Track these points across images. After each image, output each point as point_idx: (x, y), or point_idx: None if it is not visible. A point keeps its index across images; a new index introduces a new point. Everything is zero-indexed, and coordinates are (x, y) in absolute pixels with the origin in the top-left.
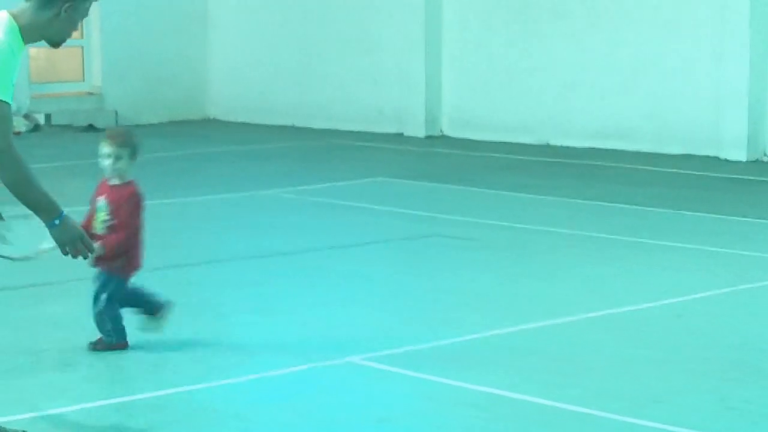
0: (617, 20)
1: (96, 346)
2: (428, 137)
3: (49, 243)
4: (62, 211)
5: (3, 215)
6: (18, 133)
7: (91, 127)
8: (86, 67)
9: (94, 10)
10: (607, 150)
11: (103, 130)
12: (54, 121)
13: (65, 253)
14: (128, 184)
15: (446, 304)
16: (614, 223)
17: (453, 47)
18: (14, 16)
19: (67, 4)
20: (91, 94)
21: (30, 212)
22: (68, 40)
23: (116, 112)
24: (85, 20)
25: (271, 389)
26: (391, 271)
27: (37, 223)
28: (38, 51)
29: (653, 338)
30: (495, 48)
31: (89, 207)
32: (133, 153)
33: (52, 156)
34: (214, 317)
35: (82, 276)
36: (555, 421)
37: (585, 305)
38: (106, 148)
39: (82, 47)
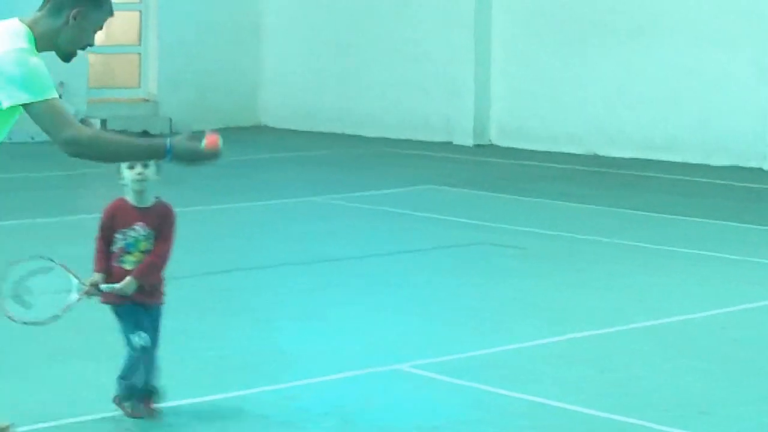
0: (662, 34)
1: (145, 407)
2: (477, 146)
3: (74, 295)
4: (167, 145)
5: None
6: None
7: (145, 133)
8: (142, 74)
9: (151, 19)
10: (653, 161)
11: (157, 136)
12: (109, 126)
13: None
14: (160, 202)
15: (494, 313)
16: (660, 233)
17: (502, 58)
18: (29, 25)
19: (75, 10)
20: (146, 100)
21: (47, 266)
22: (126, 47)
23: (170, 119)
24: (142, 29)
25: (319, 396)
26: (439, 278)
27: (56, 274)
28: (96, 57)
29: (699, 349)
30: (543, 59)
31: (99, 249)
32: (161, 164)
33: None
34: (261, 323)
35: None
36: (597, 429)
37: (631, 315)
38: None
39: (139, 55)
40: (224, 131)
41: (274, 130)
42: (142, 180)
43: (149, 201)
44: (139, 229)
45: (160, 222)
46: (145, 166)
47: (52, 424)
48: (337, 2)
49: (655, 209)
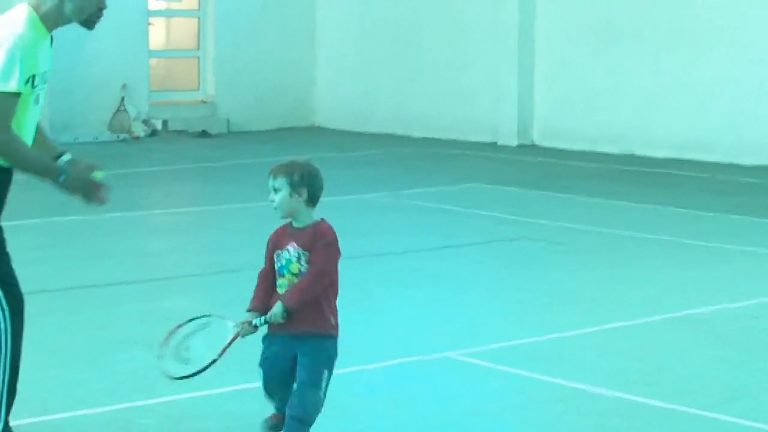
0: (695, 41)
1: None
2: (520, 146)
3: (229, 337)
4: (61, 168)
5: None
6: (137, 138)
7: (204, 133)
8: (201, 77)
9: (209, 24)
10: (687, 160)
11: (215, 136)
12: (170, 127)
13: (80, 194)
14: (315, 222)
15: (536, 304)
16: (693, 228)
17: (544, 65)
18: (33, 8)
19: None
20: (204, 102)
21: (204, 322)
22: (186, 52)
23: (228, 120)
24: (201, 34)
25: (371, 382)
26: (485, 271)
27: (213, 326)
28: (157, 61)
29: (729, 339)
30: (583, 66)
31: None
32: (294, 185)
33: (168, 160)
34: None
35: (196, 272)
36: (637, 415)
37: (666, 306)
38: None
39: (198, 58)
40: (279, 131)
41: (327, 130)
42: (274, 207)
43: (304, 222)
44: (291, 250)
45: (312, 242)
46: (275, 190)
47: (117, 407)
48: (389, 10)
49: (689, 206)
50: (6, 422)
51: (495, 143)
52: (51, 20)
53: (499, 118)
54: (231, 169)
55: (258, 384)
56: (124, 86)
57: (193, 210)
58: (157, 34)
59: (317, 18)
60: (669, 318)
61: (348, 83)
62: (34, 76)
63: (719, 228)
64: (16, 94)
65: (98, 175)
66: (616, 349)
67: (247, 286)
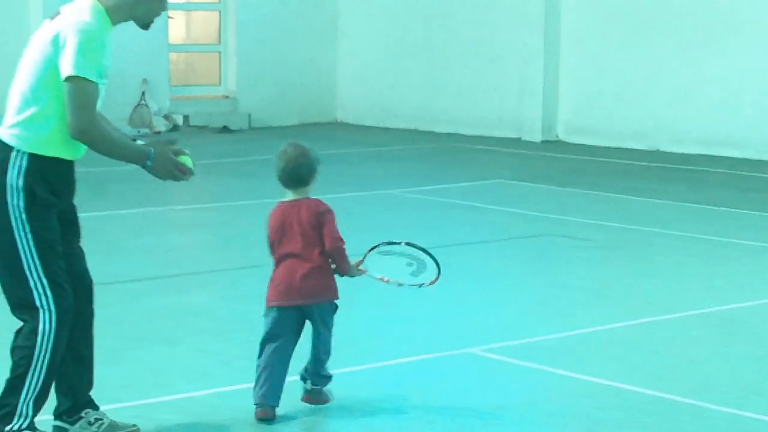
0: (725, 36)
1: (315, 399)
2: (545, 142)
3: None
4: (150, 153)
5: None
6: (158, 132)
7: (225, 129)
8: (222, 72)
9: (230, 18)
10: (715, 156)
11: (237, 131)
12: (191, 122)
13: (169, 178)
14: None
15: (560, 300)
16: (720, 225)
17: (570, 59)
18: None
19: None
20: (226, 97)
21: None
22: (206, 46)
23: (249, 115)
24: (222, 28)
25: (396, 377)
26: (510, 267)
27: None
28: (178, 56)
29: (754, 334)
30: (609, 60)
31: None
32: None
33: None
34: (341, 309)
35: (217, 268)
36: (660, 410)
37: (691, 302)
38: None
39: (219, 53)
40: (301, 127)
41: (350, 126)
42: None
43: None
44: None
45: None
46: None
47: (137, 402)
48: (413, 3)
49: (716, 203)
50: (32, 422)
51: (519, 139)
52: (117, 15)
53: (524, 114)
54: (252, 164)
55: None
56: (144, 81)
57: (214, 206)
58: (177, 29)
59: (340, 11)
60: (693, 314)
61: (370, 78)
62: (102, 68)
63: (746, 225)
64: (95, 84)
65: (186, 160)
66: (640, 344)
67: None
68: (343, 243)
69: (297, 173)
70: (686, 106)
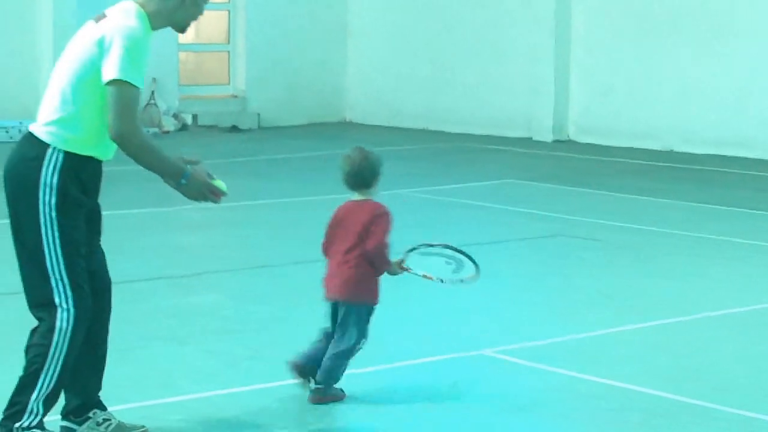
0: (737, 35)
1: (321, 398)
2: (555, 142)
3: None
4: (186, 171)
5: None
6: (167, 132)
7: (234, 128)
8: (231, 71)
9: (240, 18)
10: (726, 156)
11: (246, 131)
12: (200, 121)
13: (200, 199)
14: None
15: (573, 301)
16: (733, 225)
17: (580, 58)
18: (141, 5)
19: None
20: (235, 97)
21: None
22: (216, 46)
23: (258, 115)
24: (231, 28)
25: (407, 378)
26: (521, 268)
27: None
28: (187, 55)
29: None
30: (620, 59)
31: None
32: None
33: (198, 154)
34: None
35: (226, 268)
36: (675, 412)
37: (704, 304)
38: None
39: (228, 53)
40: (310, 126)
41: (359, 125)
42: None
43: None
44: None
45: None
46: None
47: (146, 403)
48: (422, 3)
49: (728, 203)
50: (42, 420)
51: (530, 138)
52: (157, 21)
53: (535, 114)
54: (261, 164)
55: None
56: (153, 80)
57: (223, 205)
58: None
59: (349, 11)
60: (707, 316)
61: (379, 78)
62: (145, 74)
63: (759, 225)
64: (139, 90)
65: (220, 184)
66: (653, 346)
67: (278, 282)
68: (386, 247)
69: (361, 176)
70: (698, 106)
